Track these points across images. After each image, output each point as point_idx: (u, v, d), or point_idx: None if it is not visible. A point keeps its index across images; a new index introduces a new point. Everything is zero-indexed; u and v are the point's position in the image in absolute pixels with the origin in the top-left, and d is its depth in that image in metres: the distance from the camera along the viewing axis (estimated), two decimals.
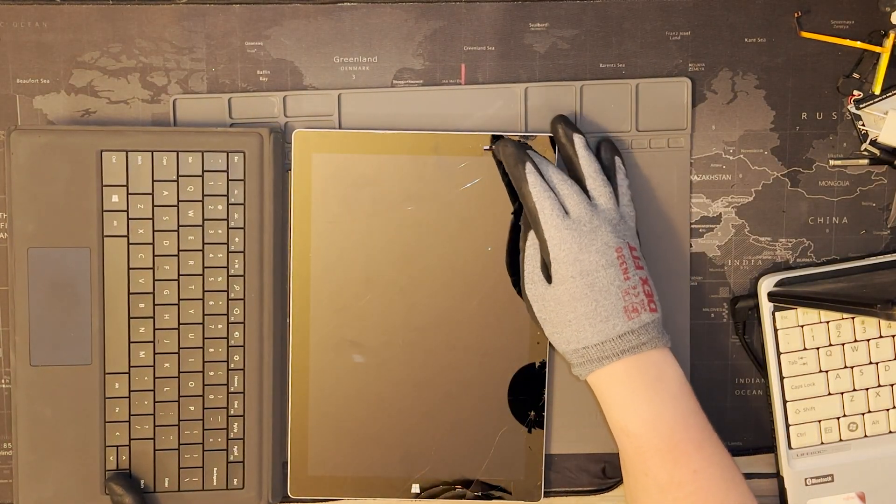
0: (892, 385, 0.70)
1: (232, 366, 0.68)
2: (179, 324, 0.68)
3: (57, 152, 0.67)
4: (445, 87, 0.71)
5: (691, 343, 0.72)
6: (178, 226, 0.67)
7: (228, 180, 0.67)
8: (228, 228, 0.68)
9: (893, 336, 0.70)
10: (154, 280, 0.68)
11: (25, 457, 0.68)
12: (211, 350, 0.68)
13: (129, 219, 0.67)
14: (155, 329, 0.68)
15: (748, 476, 0.73)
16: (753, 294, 0.71)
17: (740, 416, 0.73)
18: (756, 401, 0.73)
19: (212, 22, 0.70)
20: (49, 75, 0.70)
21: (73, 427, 0.68)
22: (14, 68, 0.70)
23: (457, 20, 0.70)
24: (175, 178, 0.67)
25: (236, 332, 0.68)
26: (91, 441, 0.68)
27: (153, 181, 0.67)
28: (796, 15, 0.70)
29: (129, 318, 0.68)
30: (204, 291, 0.68)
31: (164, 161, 0.67)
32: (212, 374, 0.68)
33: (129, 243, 0.67)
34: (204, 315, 0.68)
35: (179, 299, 0.68)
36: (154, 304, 0.68)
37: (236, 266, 0.68)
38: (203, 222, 0.67)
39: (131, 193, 0.67)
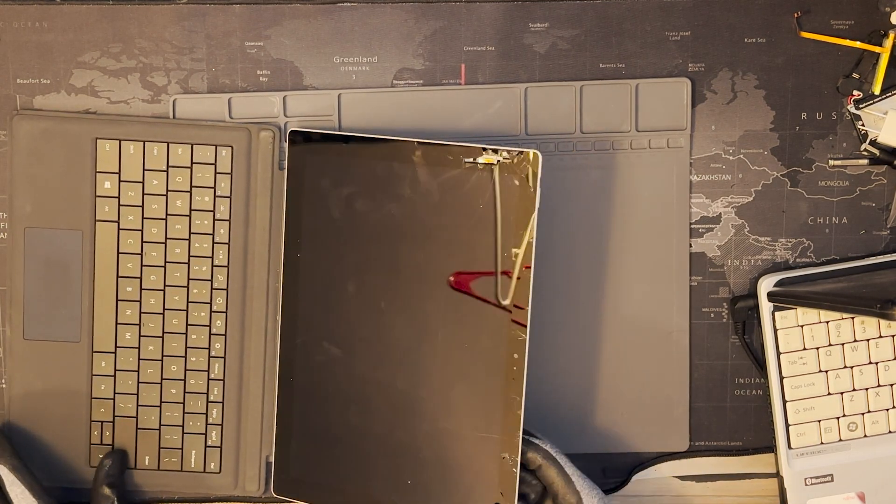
0: (891, 385, 0.70)
1: (213, 353, 0.70)
2: (164, 309, 0.70)
3: (55, 137, 0.69)
4: (445, 87, 0.71)
5: (691, 343, 0.72)
6: (166, 214, 0.69)
7: (216, 173, 0.69)
8: (214, 220, 0.69)
9: (893, 336, 0.70)
10: (142, 265, 0.69)
11: (17, 426, 0.70)
12: (193, 336, 0.70)
13: (119, 205, 0.69)
14: (141, 312, 0.70)
15: (748, 476, 0.73)
16: (753, 294, 0.71)
17: (740, 416, 0.73)
18: (756, 401, 0.73)
19: (212, 22, 0.70)
20: (49, 75, 0.70)
21: (62, 400, 0.70)
22: (14, 68, 0.70)
23: (457, 20, 0.70)
24: (165, 168, 0.69)
25: (218, 321, 0.70)
26: (78, 415, 0.70)
27: (144, 170, 0.69)
28: (796, 15, 0.70)
29: (117, 300, 0.70)
30: (189, 279, 0.70)
31: (155, 151, 0.69)
32: (193, 359, 0.70)
33: (119, 228, 0.69)
34: (188, 302, 0.70)
35: (165, 285, 0.70)
36: (141, 289, 0.70)
37: (220, 257, 0.69)
38: (190, 212, 0.69)
39: (123, 181, 0.69)
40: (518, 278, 0.63)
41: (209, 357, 0.70)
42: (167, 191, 0.69)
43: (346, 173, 0.67)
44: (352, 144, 0.66)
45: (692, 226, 0.72)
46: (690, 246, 0.72)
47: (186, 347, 0.70)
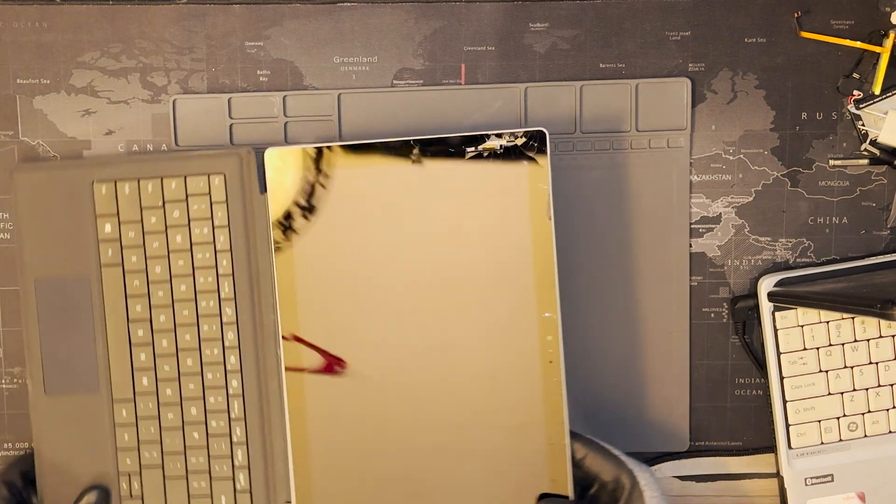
0: (892, 385, 0.70)
1: (231, 392, 0.67)
2: (177, 350, 0.67)
3: (55, 187, 0.67)
4: (445, 87, 0.71)
5: (691, 343, 0.72)
6: (168, 251, 0.67)
7: (211, 203, 0.67)
8: (215, 251, 0.67)
9: (893, 336, 0.70)
10: (150, 307, 0.67)
11: (48, 483, 0.67)
12: (209, 376, 0.67)
13: (122, 247, 0.67)
14: (155, 356, 0.67)
15: (748, 476, 0.73)
16: (753, 294, 0.71)
17: (740, 416, 0.73)
18: (756, 401, 0.73)
19: (212, 22, 0.70)
20: (49, 75, 0.70)
21: (89, 454, 0.67)
22: (14, 68, 0.70)
23: (457, 20, 0.70)
24: (161, 204, 0.67)
25: (232, 357, 0.67)
26: (106, 468, 0.68)
27: (141, 208, 0.67)
28: (796, 15, 0.70)
29: (130, 345, 0.67)
30: (197, 316, 0.67)
31: (150, 188, 0.67)
32: (212, 400, 0.67)
33: (123, 271, 0.67)
34: (199, 340, 0.67)
35: (175, 325, 0.67)
36: (152, 331, 0.67)
37: (226, 290, 0.67)
38: (191, 247, 0.67)
39: (122, 222, 0.67)
40: (540, 259, 0.63)
41: (227, 396, 0.67)
42: (165, 227, 0.67)
43: (339, 184, 0.64)
44: (340, 153, 0.64)
45: (692, 226, 0.72)
46: (690, 246, 0.72)
47: (203, 388, 0.67)
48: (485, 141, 0.63)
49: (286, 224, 0.65)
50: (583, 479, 0.64)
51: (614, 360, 0.72)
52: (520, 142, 0.63)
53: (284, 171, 0.64)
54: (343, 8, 0.70)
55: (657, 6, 0.70)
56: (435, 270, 0.64)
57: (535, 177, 0.63)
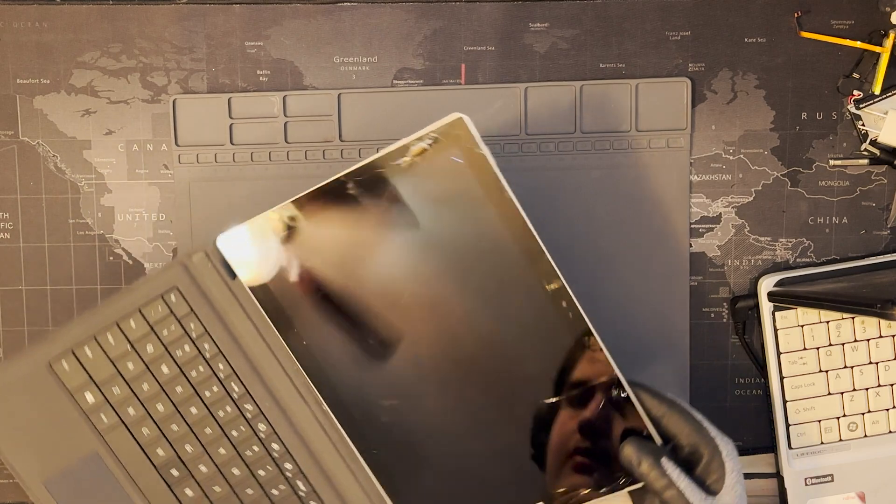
0: (892, 385, 0.70)
1: (287, 474, 0.66)
2: (217, 467, 0.66)
3: (12, 389, 0.65)
4: (445, 87, 0.71)
5: (691, 343, 0.72)
6: (161, 386, 0.65)
7: (178, 320, 0.65)
8: (206, 361, 0.65)
9: (893, 336, 0.70)
10: (170, 444, 0.66)
11: None
12: (261, 473, 0.66)
13: (113, 407, 0.65)
14: (199, 483, 0.66)
15: (748, 476, 0.73)
16: (753, 294, 0.71)
17: (740, 416, 0.73)
18: (756, 401, 0.73)
19: (212, 22, 0.70)
20: (49, 75, 0.70)
21: None
22: (14, 68, 0.70)
23: (457, 20, 0.70)
24: (129, 348, 0.65)
25: (274, 444, 0.66)
26: None
27: (112, 362, 0.65)
28: (796, 15, 0.70)
29: (170, 487, 0.66)
30: (220, 427, 0.66)
31: (111, 339, 0.65)
32: (275, 492, 0.66)
33: (127, 428, 0.65)
34: (234, 447, 0.66)
35: (204, 446, 0.66)
36: (184, 464, 0.66)
37: (236, 389, 0.65)
38: (181, 370, 0.65)
39: (100, 384, 0.65)
40: (519, 238, 0.60)
41: (286, 480, 0.66)
42: (146, 366, 0.65)
43: (295, 246, 0.62)
44: (280, 217, 0.62)
45: (692, 226, 0.72)
46: (690, 246, 0.72)
47: (260, 486, 0.66)
48: (410, 149, 0.59)
49: (270, 299, 0.63)
50: (661, 435, 0.63)
51: (614, 360, 0.72)
52: (444, 135, 0.59)
53: (243, 247, 0.63)
54: (343, 8, 0.70)
55: (657, 6, 0.70)
56: (428, 284, 0.62)
57: (476, 167, 0.59)
